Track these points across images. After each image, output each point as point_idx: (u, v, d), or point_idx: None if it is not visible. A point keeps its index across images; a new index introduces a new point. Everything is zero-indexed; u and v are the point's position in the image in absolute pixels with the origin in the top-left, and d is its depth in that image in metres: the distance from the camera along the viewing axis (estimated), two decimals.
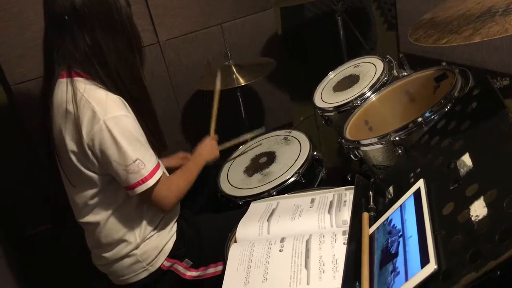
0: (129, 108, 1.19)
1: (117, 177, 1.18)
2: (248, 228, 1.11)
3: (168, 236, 1.35)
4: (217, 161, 1.74)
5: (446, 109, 1.14)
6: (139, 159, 1.16)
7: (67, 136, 1.16)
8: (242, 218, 1.16)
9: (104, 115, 1.12)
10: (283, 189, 1.47)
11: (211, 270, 1.37)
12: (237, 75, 1.85)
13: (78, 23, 1.13)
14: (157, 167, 1.21)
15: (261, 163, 1.67)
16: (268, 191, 1.47)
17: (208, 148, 1.55)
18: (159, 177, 1.21)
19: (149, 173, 1.18)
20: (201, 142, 1.58)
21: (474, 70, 1.26)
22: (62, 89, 1.17)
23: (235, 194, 1.54)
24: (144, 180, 1.17)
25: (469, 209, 0.68)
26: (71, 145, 1.17)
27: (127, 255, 1.29)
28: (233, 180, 1.64)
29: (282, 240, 1.00)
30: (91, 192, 1.23)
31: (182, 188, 1.33)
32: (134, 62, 1.23)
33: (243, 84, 1.81)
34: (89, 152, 1.15)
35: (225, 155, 1.79)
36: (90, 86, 1.16)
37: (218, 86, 1.72)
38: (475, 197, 0.69)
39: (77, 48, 1.15)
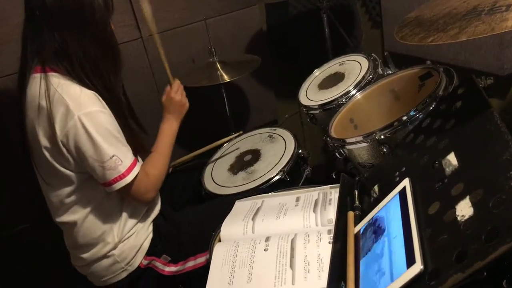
0: (105, 104, 1.16)
1: (94, 174, 1.15)
2: (232, 227, 1.10)
3: (145, 234, 1.33)
4: (202, 160, 1.72)
5: (431, 108, 1.14)
6: (116, 155, 1.14)
7: (40, 132, 1.13)
8: (227, 217, 1.15)
9: (79, 111, 1.09)
10: (268, 187, 1.46)
11: (191, 264, 1.34)
12: (222, 71, 1.83)
13: (48, 20, 1.11)
14: (134, 163, 1.19)
15: (246, 161, 1.65)
16: (253, 189, 1.46)
17: (175, 105, 1.42)
18: (137, 173, 1.19)
19: (127, 169, 1.16)
20: (164, 97, 1.44)
21: (458, 69, 1.26)
22: (36, 84, 1.14)
23: (219, 193, 1.53)
24: (121, 177, 1.16)
25: (455, 208, 0.68)
26: (44, 142, 1.14)
27: (105, 256, 1.27)
28: (218, 178, 1.62)
29: (267, 239, 0.99)
30: (66, 190, 1.20)
31: (159, 176, 1.31)
32: (102, 63, 1.18)
33: (228, 80, 1.79)
34: (64, 149, 1.13)
35: (209, 154, 1.77)
36: (65, 81, 1.13)
37: (149, 15, 1.39)
38: (460, 197, 0.69)
39: (47, 45, 1.13)
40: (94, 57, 1.16)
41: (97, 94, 1.15)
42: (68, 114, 1.09)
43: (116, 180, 1.15)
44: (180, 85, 1.47)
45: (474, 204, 0.65)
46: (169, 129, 1.41)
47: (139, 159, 1.28)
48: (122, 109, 1.25)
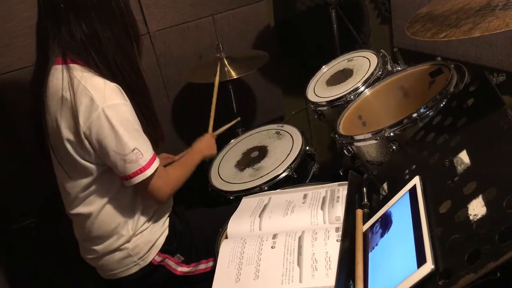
0: (126, 96, 1.16)
1: (114, 167, 1.15)
2: (239, 224, 1.09)
3: (160, 230, 1.33)
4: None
5: (442, 105, 1.12)
6: (137, 148, 1.13)
7: (62, 124, 1.13)
8: (234, 214, 1.14)
9: (103, 103, 1.09)
10: (275, 184, 1.45)
11: (202, 266, 1.35)
12: (229, 67, 1.82)
13: (75, 11, 1.10)
14: (154, 157, 1.19)
15: (252, 158, 1.64)
16: (259, 186, 1.45)
17: (207, 145, 1.53)
18: (156, 167, 1.19)
19: (147, 163, 1.16)
20: (200, 138, 1.56)
21: (469, 66, 1.24)
22: (58, 76, 1.13)
23: (226, 189, 1.52)
24: (142, 170, 1.15)
25: (467, 207, 0.67)
26: (66, 134, 1.13)
27: (118, 249, 1.27)
28: (224, 174, 1.62)
29: (274, 236, 0.98)
30: (84, 182, 1.20)
31: (178, 180, 1.31)
32: (131, 51, 1.20)
33: (235, 77, 1.78)
34: (86, 141, 1.12)
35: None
36: (87, 73, 1.13)
37: (216, 81, 1.68)
38: (473, 196, 0.67)
39: (74, 37, 1.11)
40: (124, 43, 1.17)
41: (119, 87, 1.14)
42: (92, 106, 1.09)
43: (136, 173, 1.15)
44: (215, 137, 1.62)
45: (487, 203, 0.64)
46: (193, 156, 1.45)
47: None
48: (146, 97, 1.26)
